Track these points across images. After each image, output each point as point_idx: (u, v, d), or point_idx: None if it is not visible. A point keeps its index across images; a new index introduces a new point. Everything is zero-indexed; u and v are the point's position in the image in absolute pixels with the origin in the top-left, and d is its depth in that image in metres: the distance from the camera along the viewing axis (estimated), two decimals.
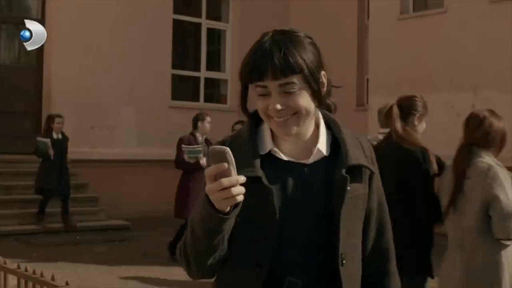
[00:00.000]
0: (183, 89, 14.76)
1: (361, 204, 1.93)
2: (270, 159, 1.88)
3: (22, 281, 4.12)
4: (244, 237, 1.81)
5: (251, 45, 1.86)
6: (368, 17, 14.15)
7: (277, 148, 1.89)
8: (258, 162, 1.84)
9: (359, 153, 1.93)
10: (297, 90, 1.81)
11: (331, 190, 1.85)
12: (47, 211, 10.67)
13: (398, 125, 4.01)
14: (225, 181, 1.61)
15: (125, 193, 11.33)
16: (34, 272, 4.06)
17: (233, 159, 1.63)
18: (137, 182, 12.59)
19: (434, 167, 3.97)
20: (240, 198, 1.64)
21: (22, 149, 11.69)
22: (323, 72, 1.91)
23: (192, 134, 8.55)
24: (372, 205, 1.99)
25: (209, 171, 1.63)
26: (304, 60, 1.83)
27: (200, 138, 8.53)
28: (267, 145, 1.90)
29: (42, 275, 4.01)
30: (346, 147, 1.89)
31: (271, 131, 1.91)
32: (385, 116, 4.13)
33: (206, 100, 14.58)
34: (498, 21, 10.96)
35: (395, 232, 3.88)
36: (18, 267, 4.21)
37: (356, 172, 1.88)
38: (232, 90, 14.48)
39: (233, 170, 1.63)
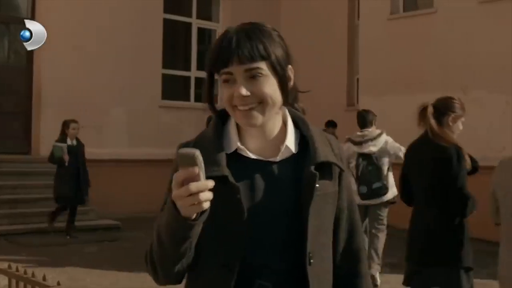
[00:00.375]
0: (173, 89, 14.76)
1: (331, 203, 1.89)
2: (236, 158, 1.84)
3: (13, 281, 4.11)
4: (212, 238, 1.76)
5: None
6: (358, 17, 14.19)
7: (244, 146, 1.85)
8: (224, 160, 1.79)
9: (328, 151, 1.89)
10: (263, 76, 1.78)
11: (300, 187, 1.81)
12: (38, 211, 10.64)
13: (433, 123, 4.16)
14: (193, 186, 1.54)
15: (115, 193, 11.31)
16: (25, 272, 4.06)
17: (202, 163, 1.56)
18: (127, 182, 12.58)
19: (468, 164, 4.18)
20: (207, 204, 1.58)
21: (12, 149, 11.66)
22: (290, 66, 1.89)
23: None
24: (342, 204, 1.95)
25: (177, 176, 1.56)
26: (271, 48, 1.80)
27: None
28: (233, 143, 1.86)
29: (33, 275, 4.00)
30: (315, 145, 1.86)
31: (238, 129, 1.88)
32: (419, 115, 4.26)
33: (197, 99, 14.56)
34: (488, 21, 11.01)
35: (432, 227, 4.06)
36: (9, 267, 4.19)
37: (325, 169, 1.85)
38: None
39: (202, 175, 1.56)
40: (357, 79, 14.21)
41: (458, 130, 4.28)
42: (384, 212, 7.96)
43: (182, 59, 14.99)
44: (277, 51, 1.82)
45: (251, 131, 1.86)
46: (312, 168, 1.81)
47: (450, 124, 4.24)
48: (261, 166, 1.84)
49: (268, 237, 1.79)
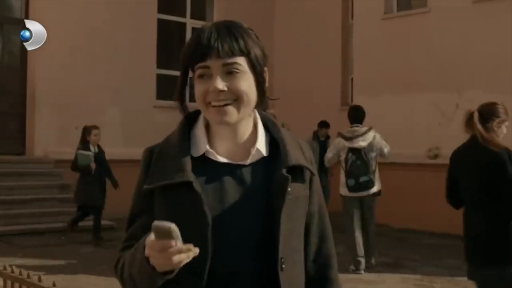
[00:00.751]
0: (168, 89, 14.72)
1: (303, 207, 1.84)
2: (205, 162, 1.78)
3: (9, 282, 4.11)
4: None
5: None
6: (352, 16, 14.20)
7: (214, 149, 1.79)
8: (189, 165, 1.74)
9: (299, 154, 1.84)
10: (241, 72, 1.74)
11: (271, 191, 1.75)
12: (33, 211, 10.63)
13: (481, 129, 4.28)
14: (169, 254, 1.54)
15: (110, 193, 11.25)
16: (20, 273, 4.05)
17: (179, 233, 1.54)
18: (123, 182, 12.51)
19: None
20: (181, 264, 1.57)
21: (7, 150, 11.64)
22: (265, 68, 1.83)
23: None
24: (313, 209, 1.90)
25: (154, 246, 1.55)
26: (251, 45, 1.76)
27: None
28: (202, 146, 1.80)
29: (28, 276, 4.00)
30: (286, 148, 1.81)
31: (207, 132, 1.83)
32: (466, 122, 4.40)
33: (192, 99, 14.49)
34: (481, 21, 11.04)
35: (486, 228, 4.20)
36: (4, 268, 4.19)
37: (296, 173, 1.80)
38: None
39: (179, 243, 1.55)
40: (351, 79, 14.22)
41: (502, 134, 4.41)
42: (374, 203, 8.51)
43: (177, 59, 14.81)
44: (256, 50, 1.77)
45: (222, 133, 1.81)
46: (284, 171, 1.76)
47: (495, 129, 4.35)
48: (230, 169, 1.78)
49: (239, 242, 1.74)
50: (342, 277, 7.08)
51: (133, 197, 1.89)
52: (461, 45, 11.27)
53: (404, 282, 7.84)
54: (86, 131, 10.07)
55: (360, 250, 8.26)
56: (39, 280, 3.92)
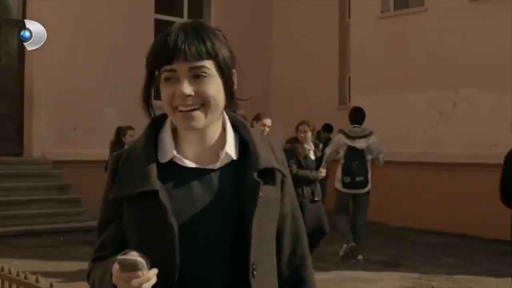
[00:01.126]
0: None
1: (274, 210, 1.79)
2: (172, 167, 1.72)
3: (6, 283, 4.11)
4: (147, 256, 1.61)
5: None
6: (349, 16, 14.22)
7: (181, 154, 1.74)
8: (154, 173, 1.68)
9: (270, 155, 1.79)
10: (209, 76, 1.68)
11: (242, 195, 1.70)
12: (31, 212, 10.62)
13: None
14: (136, 282, 1.53)
15: None
16: (17, 274, 4.06)
17: (145, 263, 1.54)
18: None
19: None
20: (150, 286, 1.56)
21: (5, 151, 11.63)
22: (234, 70, 1.77)
23: None
24: (285, 211, 1.85)
25: (119, 277, 1.55)
26: (219, 47, 1.70)
27: None
28: (169, 152, 1.74)
29: (26, 277, 4.00)
30: (256, 149, 1.74)
31: (175, 135, 1.77)
32: None
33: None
34: (478, 20, 11.06)
35: None
36: (2, 269, 4.19)
37: (268, 175, 1.74)
38: None
39: (146, 272, 1.55)
40: (349, 78, 14.24)
41: None
42: (368, 202, 8.91)
43: None
44: (224, 52, 1.71)
45: (189, 137, 1.75)
46: (255, 175, 1.70)
47: None
48: (199, 174, 1.72)
49: (209, 248, 1.69)
50: (340, 275, 7.08)
51: (101, 205, 1.84)
52: (458, 44, 11.29)
53: (402, 280, 7.85)
54: (121, 132, 9.81)
55: (351, 237, 8.72)
56: (37, 281, 3.92)
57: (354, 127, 8.77)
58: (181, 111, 1.69)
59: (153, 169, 1.69)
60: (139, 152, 1.74)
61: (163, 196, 1.66)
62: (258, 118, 7.78)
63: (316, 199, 7.75)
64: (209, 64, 1.68)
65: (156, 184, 1.66)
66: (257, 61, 14.63)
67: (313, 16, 14.59)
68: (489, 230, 10.42)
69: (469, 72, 11.12)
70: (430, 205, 11.47)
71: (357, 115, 8.94)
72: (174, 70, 1.68)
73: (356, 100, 12.42)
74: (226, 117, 1.81)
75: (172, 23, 11.92)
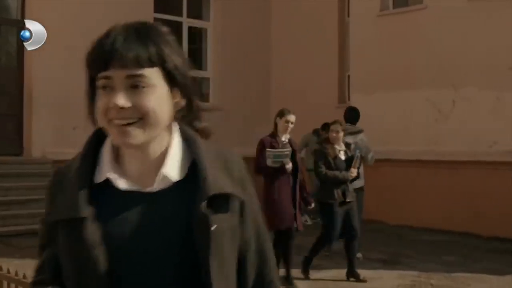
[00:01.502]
0: None
1: (231, 238, 1.53)
2: (108, 189, 1.51)
3: (5, 283, 4.12)
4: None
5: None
6: (348, 14, 14.22)
7: (123, 173, 1.53)
8: (83, 198, 1.48)
9: (224, 177, 1.54)
10: (149, 86, 1.45)
11: (191, 225, 1.47)
12: (30, 212, 10.61)
13: None
14: None
15: None
16: (16, 274, 4.06)
17: None
18: None
19: None
20: None
21: (4, 151, 11.63)
22: (192, 76, 1.56)
23: (272, 135, 7.53)
24: (247, 235, 1.59)
25: None
26: (167, 54, 1.49)
27: (283, 139, 7.50)
28: (106, 170, 1.53)
29: (24, 276, 4.01)
30: (205, 172, 1.50)
31: (116, 151, 1.56)
32: None
33: None
34: (477, 18, 11.07)
35: None
36: (1, 268, 4.20)
37: (220, 201, 1.50)
38: (214, 88, 14.47)
39: None
40: (348, 77, 14.24)
41: None
42: (362, 198, 8.70)
43: None
44: (174, 57, 1.50)
45: (129, 153, 1.53)
46: (203, 205, 1.46)
47: None
48: (136, 198, 1.50)
49: (151, 285, 1.48)
50: (339, 274, 7.09)
51: (41, 224, 1.68)
52: (458, 42, 11.29)
53: (401, 278, 7.85)
54: None
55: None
56: None
57: (346, 125, 8.73)
58: (116, 125, 1.47)
59: (83, 192, 1.49)
60: (73, 171, 1.54)
61: (91, 225, 1.46)
62: (282, 114, 7.65)
63: (348, 200, 7.67)
64: (149, 73, 1.46)
65: (85, 211, 1.46)
66: (257, 61, 14.64)
67: (312, 15, 14.59)
68: (489, 228, 10.44)
69: (469, 71, 11.13)
70: (430, 203, 11.47)
71: (351, 114, 9.08)
72: (109, 78, 1.46)
73: (356, 99, 12.43)
74: (176, 132, 1.58)
75: (171, 22, 11.92)
